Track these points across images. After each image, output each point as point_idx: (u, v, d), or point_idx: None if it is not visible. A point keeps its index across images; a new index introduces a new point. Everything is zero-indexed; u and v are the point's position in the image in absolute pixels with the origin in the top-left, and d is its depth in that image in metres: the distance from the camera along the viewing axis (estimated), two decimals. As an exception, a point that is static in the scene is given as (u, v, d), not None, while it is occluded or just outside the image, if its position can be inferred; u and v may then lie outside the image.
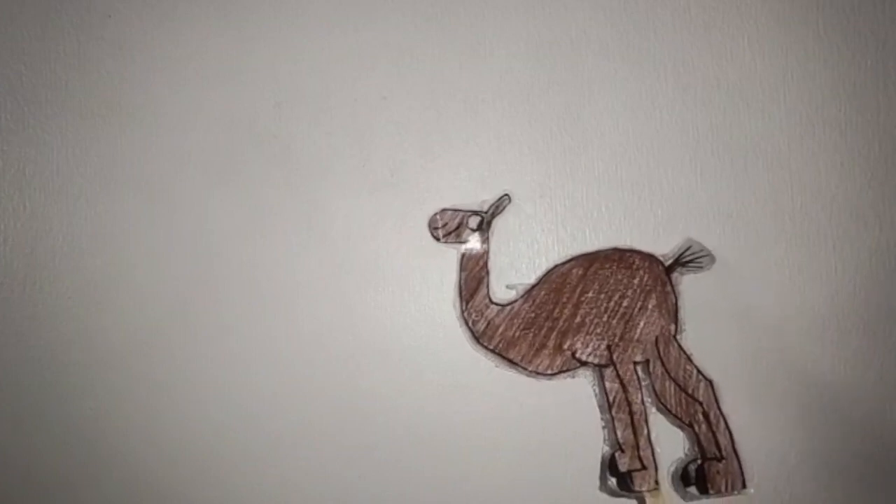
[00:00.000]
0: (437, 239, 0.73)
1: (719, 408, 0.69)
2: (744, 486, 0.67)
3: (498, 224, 0.74)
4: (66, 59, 0.77)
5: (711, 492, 0.67)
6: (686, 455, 0.70)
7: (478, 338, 0.72)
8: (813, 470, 0.70)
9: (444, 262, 0.74)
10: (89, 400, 0.74)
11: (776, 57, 0.75)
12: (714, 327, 0.72)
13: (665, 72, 0.75)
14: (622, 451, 0.69)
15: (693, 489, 0.68)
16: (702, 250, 0.72)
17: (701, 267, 0.72)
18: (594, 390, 0.71)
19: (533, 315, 0.72)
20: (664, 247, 0.73)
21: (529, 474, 0.71)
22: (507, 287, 0.73)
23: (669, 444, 0.70)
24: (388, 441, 0.73)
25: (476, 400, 0.73)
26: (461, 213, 0.73)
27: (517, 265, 0.74)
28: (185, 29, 0.77)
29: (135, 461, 0.73)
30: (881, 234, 0.73)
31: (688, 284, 0.72)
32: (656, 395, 0.70)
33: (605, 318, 0.71)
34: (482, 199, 0.74)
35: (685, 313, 0.71)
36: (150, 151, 0.76)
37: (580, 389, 0.72)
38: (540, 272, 0.73)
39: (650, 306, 0.71)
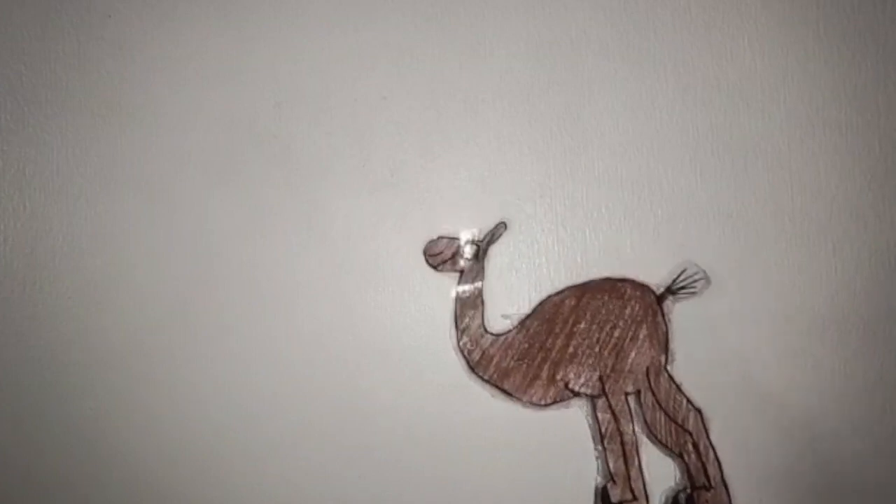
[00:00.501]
0: (434, 267, 0.73)
1: (708, 438, 0.70)
2: None
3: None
4: (66, 59, 0.77)
5: None
6: (677, 484, 0.70)
7: (473, 367, 0.72)
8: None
9: (444, 262, 0.74)
10: (89, 400, 0.74)
11: (776, 57, 0.75)
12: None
13: (665, 72, 0.75)
14: (614, 482, 0.69)
15: None
16: (696, 273, 0.72)
17: (694, 292, 0.72)
18: (587, 420, 0.71)
19: (527, 345, 0.72)
20: (664, 247, 0.73)
21: (528, 476, 0.72)
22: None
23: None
24: (387, 441, 0.73)
25: (476, 400, 0.73)
26: (457, 242, 0.73)
27: (517, 265, 0.74)
28: (185, 29, 0.77)
29: (135, 461, 0.73)
30: (881, 234, 0.73)
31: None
32: (647, 425, 0.70)
33: (596, 349, 0.71)
34: (483, 200, 0.74)
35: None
36: (150, 151, 0.76)
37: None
38: (540, 272, 0.73)
39: (641, 337, 0.71)
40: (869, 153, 0.74)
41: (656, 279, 0.72)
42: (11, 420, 0.73)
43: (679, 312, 0.72)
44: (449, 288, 0.73)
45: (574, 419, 0.72)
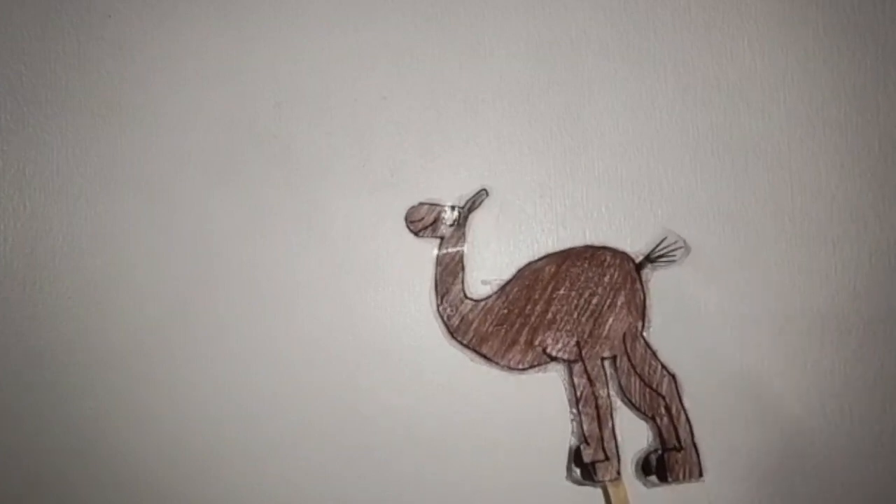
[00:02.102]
0: (414, 233, 0.73)
1: (681, 401, 0.71)
2: (700, 474, 0.70)
3: (497, 223, 0.74)
4: (66, 59, 0.77)
5: (670, 479, 0.70)
6: (648, 445, 0.72)
7: (452, 332, 0.73)
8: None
9: (444, 262, 0.74)
10: (89, 400, 0.74)
11: (776, 57, 0.75)
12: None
13: (665, 72, 0.75)
14: (587, 443, 0.71)
15: (653, 478, 0.71)
16: (676, 242, 0.73)
17: (673, 260, 0.73)
18: (564, 384, 0.72)
19: (506, 311, 0.73)
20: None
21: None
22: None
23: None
24: (387, 441, 0.73)
25: (476, 400, 0.73)
26: (438, 208, 0.74)
27: (518, 265, 0.74)
28: (185, 29, 0.77)
29: (135, 461, 0.73)
30: (881, 234, 0.73)
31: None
32: (622, 389, 0.72)
33: (575, 315, 0.72)
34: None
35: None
36: (150, 151, 0.76)
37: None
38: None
39: (619, 303, 0.72)
40: (869, 153, 0.74)
41: (636, 248, 0.73)
42: (11, 420, 0.73)
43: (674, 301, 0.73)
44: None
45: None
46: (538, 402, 0.73)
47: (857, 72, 0.74)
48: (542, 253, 0.74)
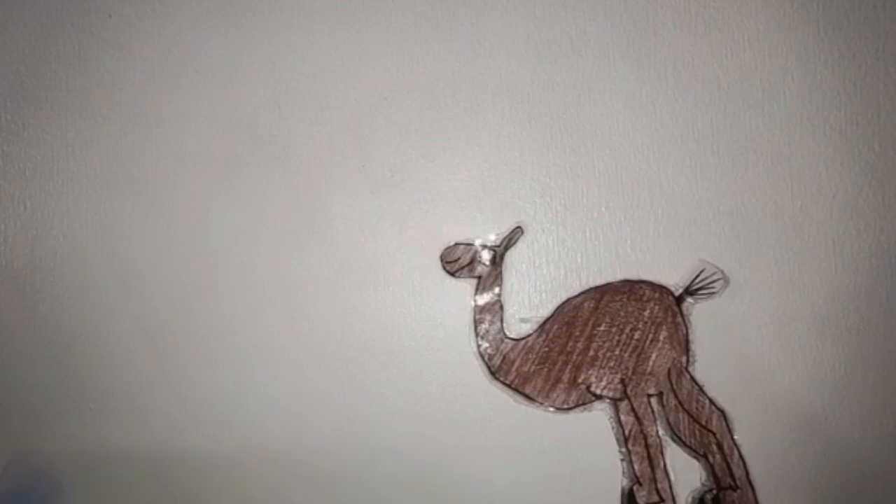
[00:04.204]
0: (451, 273, 0.73)
1: (732, 438, 0.69)
2: None
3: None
4: (66, 59, 0.77)
5: None
6: (703, 485, 0.70)
7: (494, 373, 0.71)
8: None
9: (444, 262, 0.74)
10: (89, 400, 0.74)
11: (776, 57, 0.75)
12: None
13: (665, 72, 0.75)
14: (640, 484, 0.69)
15: None
16: (714, 273, 0.71)
17: (714, 292, 0.71)
18: (611, 423, 0.71)
19: (547, 349, 0.72)
20: (664, 247, 0.73)
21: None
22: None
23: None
24: (387, 441, 0.73)
25: (476, 400, 0.73)
26: (474, 248, 0.73)
27: (517, 265, 0.74)
28: (185, 29, 0.77)
29: (135, 461, 0.73)
30: (881, 234, 0.73)
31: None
32: (671, 426, 0.70)
33: (617, 352, 0.71)
34: (483, 200, 0.74)
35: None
36: (150, 151, 0.76)
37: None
38: (540, 271, 0.73)
39: (661, 338, 0.71)
40: (869, 153, 0.74)
41: (668, 280, 0.72)
42: (11, 420, 0.73)
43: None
44: (449, 288, 0.73)
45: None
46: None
47: (857, 72, 0.74)
48: (539, 250, 0.74)
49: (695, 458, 0.70)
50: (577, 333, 0.71)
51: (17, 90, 0.77)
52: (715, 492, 0.69)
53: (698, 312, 0.72)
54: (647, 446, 0.69)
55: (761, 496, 0.69)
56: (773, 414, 0.71)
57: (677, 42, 0.76)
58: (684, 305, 0.71)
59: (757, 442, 0.70)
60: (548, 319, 0.72)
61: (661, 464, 0.69)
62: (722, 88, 0.75)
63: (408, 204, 0.75)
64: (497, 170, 0.75)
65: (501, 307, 0.72)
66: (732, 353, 0.72)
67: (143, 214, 0.75)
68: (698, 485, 0.70)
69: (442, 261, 0.73)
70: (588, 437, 0.71)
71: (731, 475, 0.69)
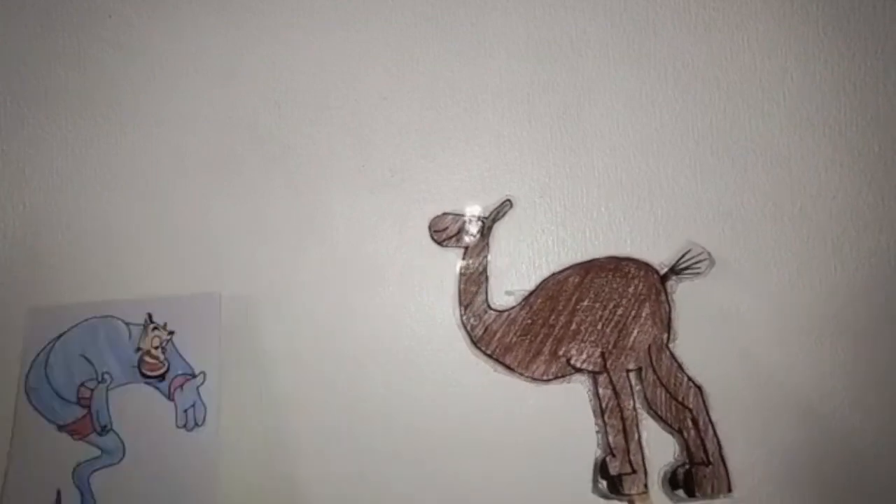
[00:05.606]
0: (438, 242, 0.73)
1: (708, 414, 0.70)
2: (729, 490, 0.69)
3: (498, 225, 0.74)
4: (66, 59, 0.77)
5: (698, 495, 0.69)
6: (675, 459, 0.70)
7: (476, 342, 0.72)
8: (799, 475, 0.70)
9: (444, 263, 0.74)
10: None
11: (776, 57, 0.75)
12: (706, 333, 0.72)
13: (665, 72, 0.75)
14: (613, 455, 0.70)
15: (681, 492, 0.69)
16: (701, 254, 0.72)
17: (699, 272, 0.72)
18: (588, 395, 0.72)
19: (529, 321, 0.72)
20: (663, 247, 0.73)
21: (526, 473, 0.71)
22: (506, 293, 0.73)
23: (661, 448, 0.71)
24: (387, 440, 0.72)
25: (475, 400, 0.73)
26: (462, 218, 0.73)
27: (517, 265, 0.74)
28: (185, 29, 0.77)
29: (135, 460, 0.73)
30: (881, 234, 0.73)
31: (682, 290, 0.72)
32: (647, 401, 0.71)
33: (599, 327, 0.72)
34: (483, 200, 0.74)
35: (679, 321, 0.72)
36: (150, 151, 0.76)
37: (576, 394, 0.72)
38: (540, 272, 0.73)
39: (644, 315, 0.72)
40: (869, 152, 0.74)
41: (660, 259, 0.73)
42: (11, 420, 0.73)
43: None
44: (449, 288, 0.73)
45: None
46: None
47: (857, 72, 0.74)
48: (539, 250, 0.74)
49: (670, 433, 0.71)
50: (561, 307, 0.72)
51: (17, 90, 0.77)
52: (688, 466, 0.70)
53: (705, 325, 0.72)
54: (622, 419, 0.70)
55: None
56: (773, 411, 0.72)
57: (677, 42, 0.76)
58: (668, 284, 0.72)
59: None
60: (532, 292, 0.73)
61: (636, 437, 0.70)
62: (722, 89, 0.75)
63: (408, 204, 0.75)
64: (497, 170, 0.75)
65: (486, 278, 0.73)
66: (726, 345, 0.72)
67: (143, 214, 0.75)
68: (672, 459, 0.71)
69: (430, 229, 0.73)
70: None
71: (705, 451, 0.69)
